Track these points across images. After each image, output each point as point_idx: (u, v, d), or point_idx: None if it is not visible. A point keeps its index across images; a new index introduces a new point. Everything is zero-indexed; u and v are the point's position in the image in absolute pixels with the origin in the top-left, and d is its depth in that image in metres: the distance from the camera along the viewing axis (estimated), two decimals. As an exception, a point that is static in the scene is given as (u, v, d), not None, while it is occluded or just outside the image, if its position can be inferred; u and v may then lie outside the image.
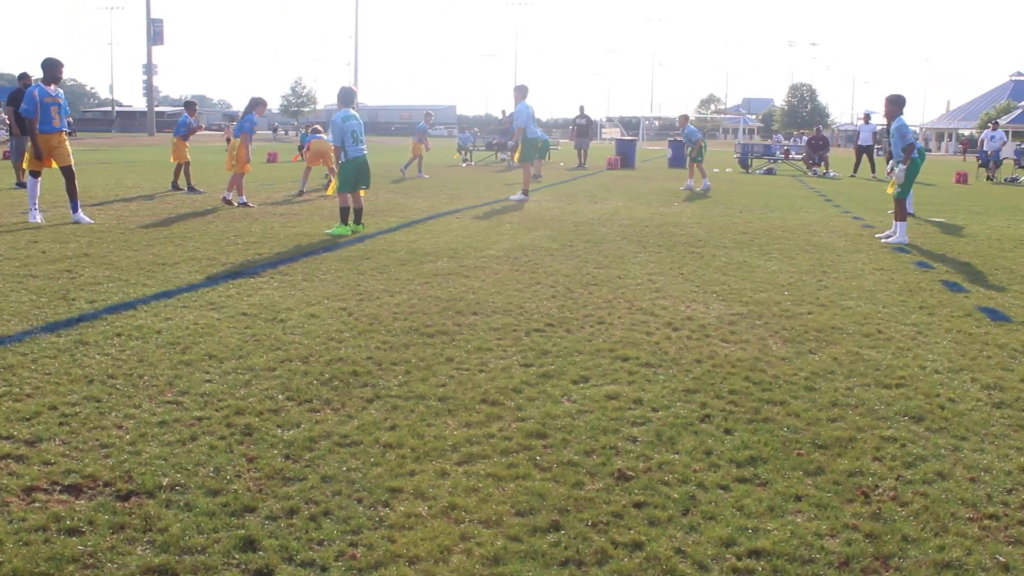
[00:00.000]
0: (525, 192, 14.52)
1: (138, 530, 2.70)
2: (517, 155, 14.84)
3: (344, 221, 9.63)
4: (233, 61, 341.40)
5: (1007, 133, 35.26)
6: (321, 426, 3.62)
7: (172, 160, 15.38)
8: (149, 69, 67.02)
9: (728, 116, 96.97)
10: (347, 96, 9.87)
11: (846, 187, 21.01)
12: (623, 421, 3.77)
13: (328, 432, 3.55)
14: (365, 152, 9.73)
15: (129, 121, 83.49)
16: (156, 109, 74.47)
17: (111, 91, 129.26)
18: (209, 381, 4.16)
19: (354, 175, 9.58)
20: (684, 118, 20.21)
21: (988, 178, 26.15)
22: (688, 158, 18.85)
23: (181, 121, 15.49)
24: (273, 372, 4.33)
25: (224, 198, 12.58)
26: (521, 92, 14.45)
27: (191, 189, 14.92)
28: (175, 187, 15.04)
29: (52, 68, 10.27)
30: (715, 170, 25.91)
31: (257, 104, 13.16)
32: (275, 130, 69.68)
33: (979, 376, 4.55)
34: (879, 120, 24.91)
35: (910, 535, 2.79)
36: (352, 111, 9.68)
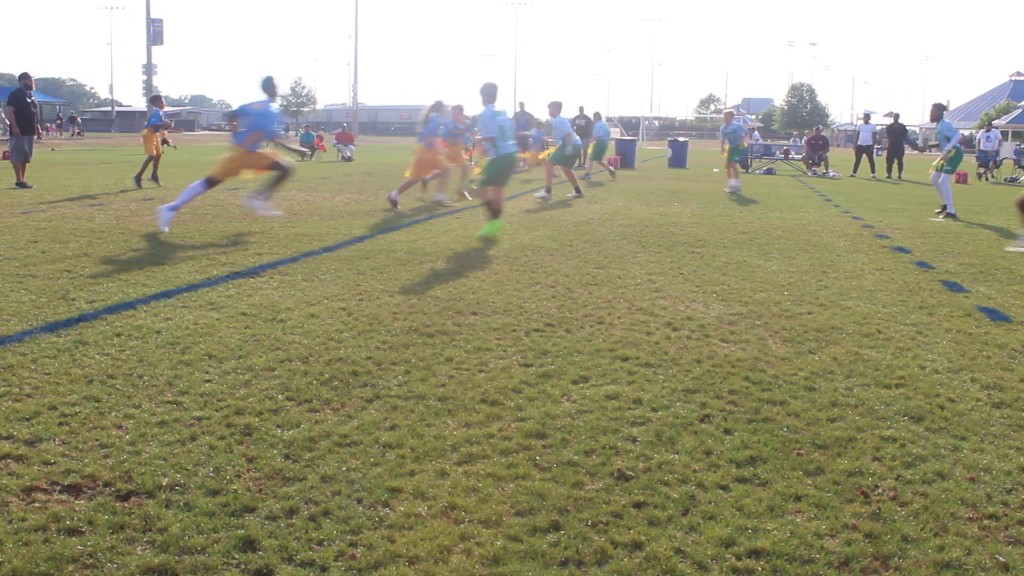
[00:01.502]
0: (578, 190, 15.47)
1: (138, 530, 2.70)
2: (547, 154, 15.95)
3: (496, 216, 9.37)
4: (233, 61, 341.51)
5: (1007, 134, 35.34)
6: (321, 426, 3.62)
7: (145, 152, 16.15)
8: (149, 69, 66.96)
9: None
10: (492, 92, 9.54)
11: (846, 187, 21.01)
12: (623, 421, 3.77)
13: (328, 432, 3.55)
14: (515, 150, 9.66)
15: (129, 121, 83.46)
16: (156, 109, 74.43)
17: (111, 91, 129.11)
18: (209, 381, 4.16)
19: (503, 171, 9.45)
20: (730, 115, 19.45)
21: (979, 175, 26.25)
22: (734, 157, 17.90)
23: (153, 114, 16.31)
24: (273, 372, 4.33)
25: (438, 199, 12.66)
26: (556, 107, 15.69)
27: (138, 180, 15.43)
28: (155, 179, 15.81)
29: (275, 85, 9.58)
30: (715, 170, 25.89)
31: (440, 107, 13.19)
32: (288, 130, 69.47)
33: (979, 376, 4.55)
34: (879, 120, 24.97)
35: (910, 535, 2.80)
36: (498, 107, 9.48)
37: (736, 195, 16.94)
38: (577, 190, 15.43)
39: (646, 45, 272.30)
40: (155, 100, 17.24)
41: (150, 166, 16.02)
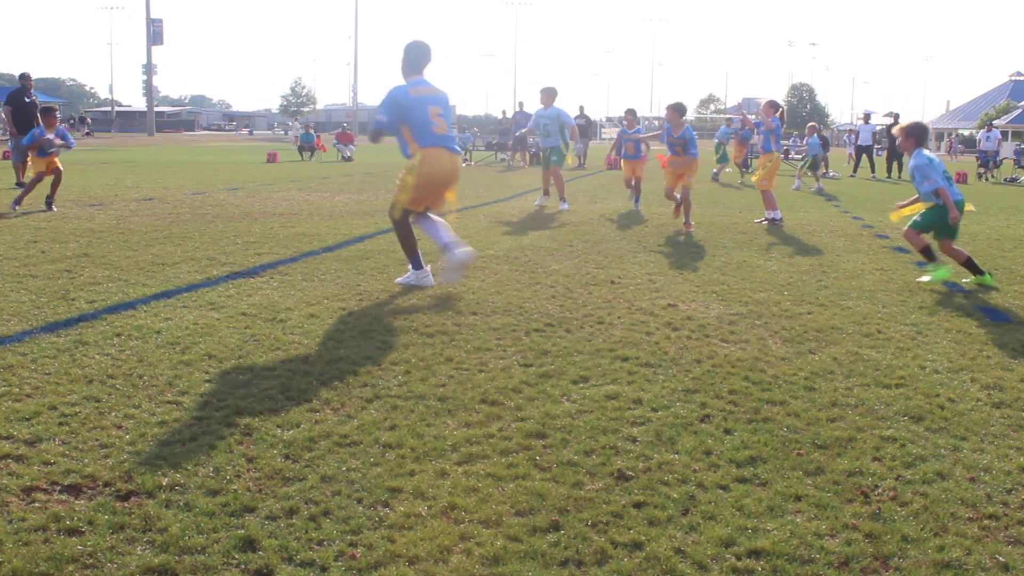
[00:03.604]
0: (547, 193, 14.61)
1: (138, 530, 2.70)
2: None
3: (934, 258, 7.47)
4: (233, 61, 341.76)
5: (1007, 134, 35.48)
6: (321, 426, 3.62)
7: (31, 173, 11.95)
8: (149, 69, 67.08)
9: (728, 116, 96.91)
10: (925, 133, 7.58)
11: (846, 187, 21.00)
12: (623, 421, 3.77)
13: (328, 432, 3.55)
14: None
15: (129, 121, 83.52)
16: (156, 109, 74.55)
17: (111, 91, 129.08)
18: (209, 381, 4.16)
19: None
20: (812, 128, 21.14)
21: (979, 175, 26.32)
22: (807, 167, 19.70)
23: (28, 134, 12.09)
24: (273, 372, 4.33)
25: (770, 218, 11.60)
26: (550, 95, 14.25)
27: (47, 202, 11.55)
28: (46, 202, 11.55)
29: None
30: (713, 170, 25.89)
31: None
32: (309, 130, 68.43)
33: (979, 376, 4.55)
34: (879, 120, 25.07)
35: (910, 535, 2.79)
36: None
37: (740, 196, 16.93)
38: (546, 193, 14.12)
39: (646, 45, 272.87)
40: (43, 112, 12.12)
41: (38, 187, 11.78)
